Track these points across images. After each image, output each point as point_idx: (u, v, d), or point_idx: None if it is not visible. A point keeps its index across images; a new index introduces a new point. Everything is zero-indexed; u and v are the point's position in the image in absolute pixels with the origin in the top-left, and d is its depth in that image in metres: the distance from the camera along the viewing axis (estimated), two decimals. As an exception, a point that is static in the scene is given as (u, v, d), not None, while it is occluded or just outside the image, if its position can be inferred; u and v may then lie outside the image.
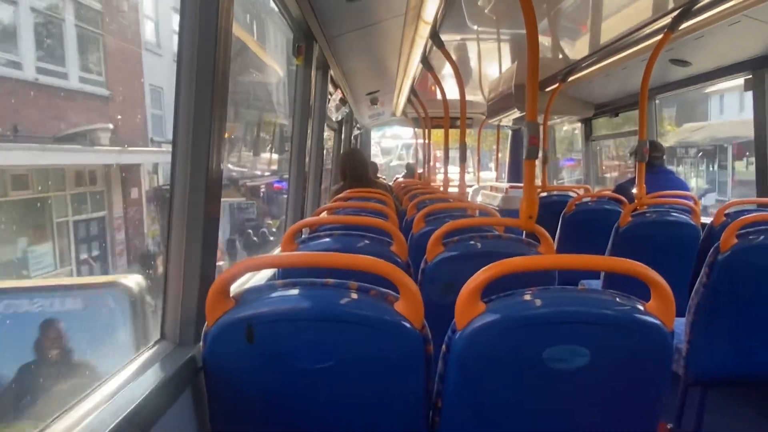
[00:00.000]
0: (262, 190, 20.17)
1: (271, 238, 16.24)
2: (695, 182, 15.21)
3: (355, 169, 4.76)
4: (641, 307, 1.50)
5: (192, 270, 1.81)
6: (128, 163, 13.80)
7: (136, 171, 14.22)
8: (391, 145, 25.35)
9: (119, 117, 13.42)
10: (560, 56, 5.37)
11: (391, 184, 8.79)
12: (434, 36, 4.27)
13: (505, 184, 8.71)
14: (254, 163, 19.84)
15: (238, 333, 1.51)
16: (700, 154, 15.38)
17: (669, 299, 1.48)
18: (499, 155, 11.31)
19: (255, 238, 16.72)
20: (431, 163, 9.87)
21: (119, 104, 13.41)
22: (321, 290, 1.56)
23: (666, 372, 1.53)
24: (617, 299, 1.52)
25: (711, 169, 15.44)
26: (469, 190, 9.65)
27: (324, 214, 3.43)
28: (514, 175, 10.35)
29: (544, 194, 5.89)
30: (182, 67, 1.78)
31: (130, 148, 13.56)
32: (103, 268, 12.90)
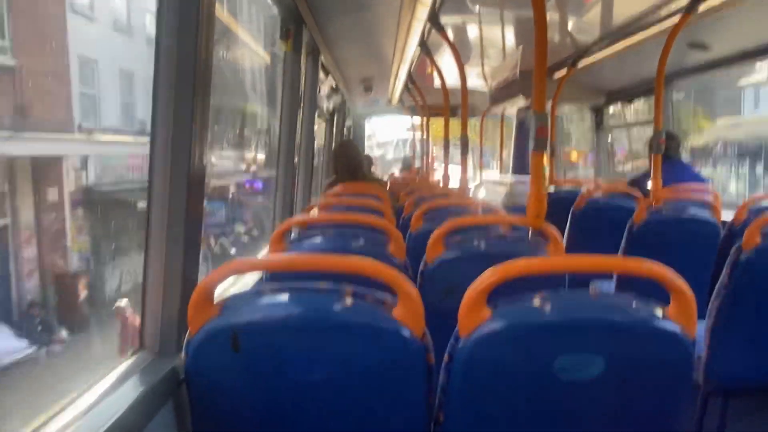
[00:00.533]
0: (232, 190, 19.04)
1: (232, 251, 15.27)
2: (735, 186, 14.71)
3: (349, 162, 4.75)
4: (660, 313, 1.49)
5: (173, 274, 1.80)
6: (43, 155, 11.16)
7: (54, 166, 11.61)
8: (388, 139, 25.38)
9: (29, 94, 10.76)
10: (569, 40, 5.35)
11: (386, 179, 8.77)
12: (433, 18, 4.25)
13: (509, 179, 8.68)
14: (222, 159, 18.65)
15: (223, 342, 1.50)
16: (741, 152, 14.88)
17: (690, 304, 1.48)
18: (503, 148, 11.27)
19: (215, 249, 15.66)
20: (429, 158, 9.84)
21: (30, 78, 10.83)
22: (312, 295, 1.56)
23: (687, 382, 1.53)
24: (634, 304, 1.51)
25: (756, 170, 14.91)
26: (471, 186, 9.64)
27: (315, 211, 3.42)
28: (519, 166, 10.33)
29: (552, 189, 5.89)
30: (161, 50, 1.77)
31: (32, 134, 10.73)
32: (3, 294, 10.29)
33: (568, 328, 1.48)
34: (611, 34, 4.67)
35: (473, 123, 11.60)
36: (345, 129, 9.46)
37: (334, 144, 8.38)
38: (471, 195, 9.19)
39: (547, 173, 6.54)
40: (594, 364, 1.46)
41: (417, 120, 10.51)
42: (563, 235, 4.52)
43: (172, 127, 1.77)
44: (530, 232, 2.92)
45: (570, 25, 5.03)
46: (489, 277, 1.50)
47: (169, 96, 1.77)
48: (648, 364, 1.49)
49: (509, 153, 10.85)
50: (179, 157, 1.79)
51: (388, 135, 25.37)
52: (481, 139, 11.17)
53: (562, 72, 5.94)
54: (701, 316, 2.55)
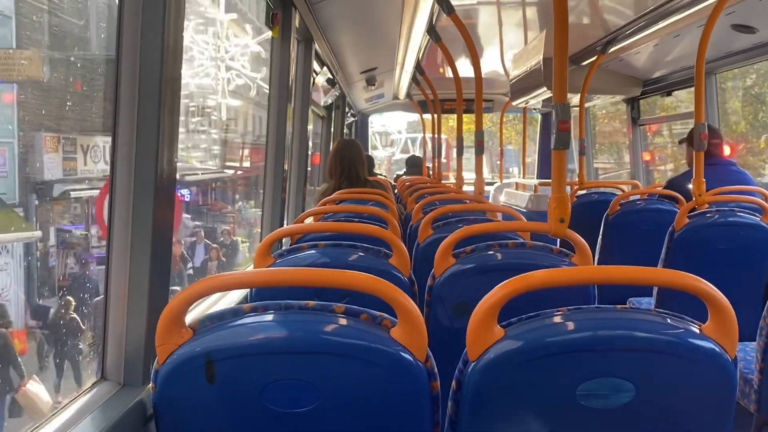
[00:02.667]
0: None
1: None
2: None
3: (348, 165, 4.72)
4: (696, 330, 1.48)
5: (138, 293, 1.79)
6: None
7: None
8: (396, 137, 25.42)
9: None
10: (599, 22, 5.34)
11: (393, 182, 8.75)
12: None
13: (533, 181, 8.66)
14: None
15: (196, 371, 1.48)
16: None
17: (729, 319, 1.46)
18: (526, 147, 11.19)
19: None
20: (441, 158, 9.78)
21: None
22: (299, 315, 1.54)
23: (728, 408, 1.51)
24: (669, 320, 1.50)
25: None
26: (491, 189, 9.60)
27: (310, 221, 3.41)
28: (546, 168, 10.28)
29: (583, 192, 5.87)
30: (123, 36, 1.76)
31: None
32: None
33: (593, 348, 1.46)
34: (646, 15, 4.64)
35: (493, 116, 11.53)
36: (345, 127, 9.44)
37: (331, 144, 8.37)
38: (491, 200, 9.18)
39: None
40: (623, 389, 1.45)
41: (428, 116, 10.42)
42: (595, 244, 4.51)
43: (137, 125, 1.77)
44: (557, 243, 2.91)
45: (600, 6, 5.02)
46: (500, 291, 1.49)
47: (132, 88, 1.76)
48: (684, 388, 1.48)
49: (539, 154, 10.76)
50: (145, 156, 1.78)
51: (396, 132, 25.43)
52: (501, 136, 11.07)
53: (592, 59, 5.93)
54: (754, 335, 2.53)
